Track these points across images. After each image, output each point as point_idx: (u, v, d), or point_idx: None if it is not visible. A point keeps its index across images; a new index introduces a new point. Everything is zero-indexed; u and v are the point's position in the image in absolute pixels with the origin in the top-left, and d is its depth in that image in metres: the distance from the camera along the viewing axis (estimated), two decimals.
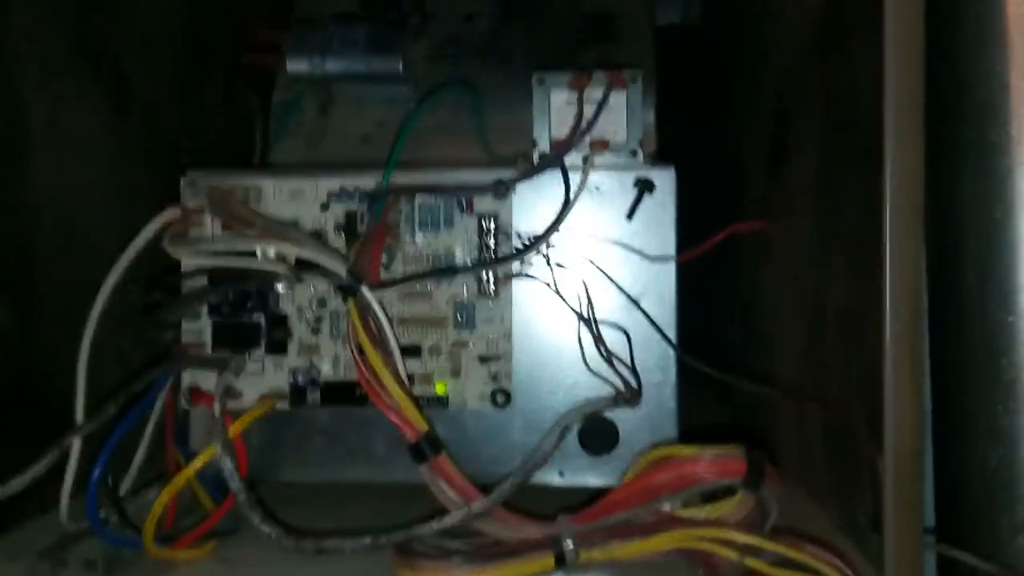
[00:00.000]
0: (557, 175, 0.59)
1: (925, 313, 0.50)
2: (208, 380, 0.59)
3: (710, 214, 0.89)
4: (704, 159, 0.94)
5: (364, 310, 0.55)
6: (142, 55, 0.69)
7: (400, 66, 0.70)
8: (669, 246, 0.60)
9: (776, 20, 0.70)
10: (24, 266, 0.57)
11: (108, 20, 0.65)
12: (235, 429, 0.53)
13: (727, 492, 0.51)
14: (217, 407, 0.52)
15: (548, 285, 0.59)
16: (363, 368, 0.54)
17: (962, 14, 0.49)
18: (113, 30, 0.65)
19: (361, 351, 0.54)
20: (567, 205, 0.58)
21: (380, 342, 0.55)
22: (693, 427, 0.60)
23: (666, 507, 0.51)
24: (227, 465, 0.50)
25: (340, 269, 0.54)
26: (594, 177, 0.59)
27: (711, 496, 0.52)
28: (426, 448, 0.53)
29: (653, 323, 0.59)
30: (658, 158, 0.66)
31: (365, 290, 0.54)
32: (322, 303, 0.60)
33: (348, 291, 0.55)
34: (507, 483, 0.53)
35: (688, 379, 0.61)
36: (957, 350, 0.51)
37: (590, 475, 0.61)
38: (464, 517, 0.51)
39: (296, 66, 0.70)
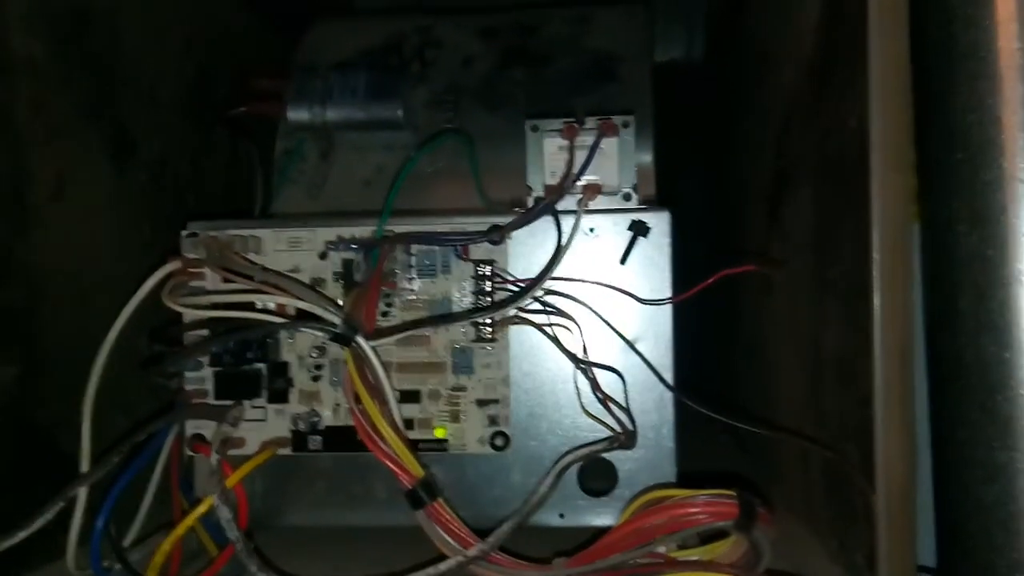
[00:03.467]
0: (553, 219, 0.59)
1: (916, 356, 0.50)
2: (211, 430, 0.60)
3: (714, 253, 0.89)
4: (706, 197, 0.94)
5: (360, 359, 0.55)
6: (148, 114, 0.70)
7: (400, 113, 0.71)
8: (665, 288, 0.60)
9: (773, 63, 0.70)
10: (29, 324, 0.58)
11: (117, 83, 0.66)
12: (234, 479, 0.53)
13: (723, 534, 0.51)
14: (214, 457, 0.53)
15: (544, 330, 0.59)
16: (360, 417, 0.54)
17: (953, 50, 0.50)
18: (121, 92, 0.67)
19: (358, 400, 0.55)
20: (560, 250, 0.58)
21: (376, 391, 0.55)
22: (702, 471, 0.60)
23: (661, 549, 0.51)
24: (224, 515, 0.51)
25: (335, 319, 0.55)
26: (589, 220, 0.60)
27: (708, 538, 0.52)
28: (423, 494, 0.53)
29: (649, 365, 0.59)
30: (657, 199, 0.67)
31: (360, 340, 0.55)
32: (322, 351, 0.61)
33: (343, 341, 0.55)
34: (503, 528, 0.53)
35: (700, 423, 0.60)
36: (953, 386, 0.51)
37: (590, 516, 0.61)
38: (460, 563, 0.52)
39: (297, 115, 0.71)
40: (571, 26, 0.79)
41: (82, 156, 0.63)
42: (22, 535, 0.52)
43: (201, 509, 0.53)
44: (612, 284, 0.60)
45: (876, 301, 0.44)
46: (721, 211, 0.90)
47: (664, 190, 0.69)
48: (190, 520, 0.53)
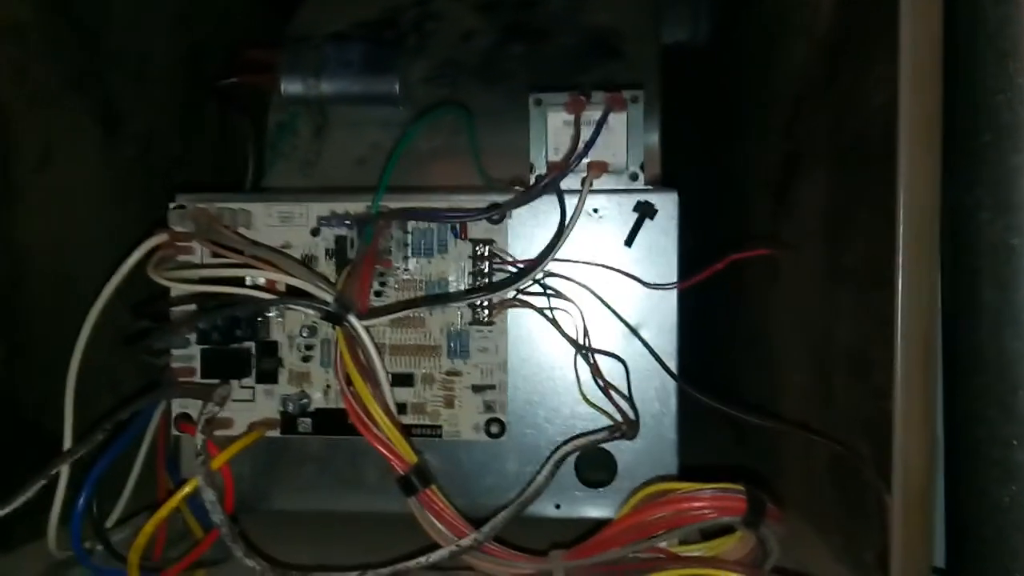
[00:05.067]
0: (555, 199, 0.57)
1: (938, 351, 0.48)
2: (198, 409, 0.57)
3: (716, 239, 0.87)
4: (711, 181, 0.92)
5: (352, 339, 0.53)
6: (138, 87, 0.68)
7: (396, 87, 0.68)
8: (671, 273, 0.58)
9: (785, 42, 0.68)
10: (11, 299, 0.56)
11: (104, 54, 0.64)
12: (220, 460, 0.51)
13: (727, 530, 0.49)
14: (199, 438, 0.51)
15: (543, 313, 0.57)
16: (351, 399, 0.52)
17: (982, 26, 0.47)
18: (109, 64, 0.65)
19: (349, 382, 0.53)
20: (563, 230, 0.56)
21: (368, 372, 0.53)
22: (703, 465, 0.59)
23: (663, 544, 0.50)
24: (208, 497, 0.49)
25: (327, 296, 0.53)
26: (593, 201, 0.58)
27: (710, 534, 0.50)
28: (415, 481, 0.52)
29: (653, 352, 0.57)
30: (662, 181, 0.65)
31: (352, 319, 0.53)
32: (313, 330, 0.59)
33: (335, 320, 0.53)
34: (498, 517, 0.51)
35: (700, 413, 0.59)
36: (971, 381, 0.49)
37: (587, 507, 0.59)
38: (453, 552, 0.50)
39: (291, 87, 0.68)
40: (573, 0, 0.76)
41: (67, 128, 0.61)
42: (1, 513, 0.51)
43: (186, 490, 0.51)
44: (616, 267, 0.58)
45: (900, 290, 0.42)
46: (726, 196, 0.88)
47: (668, 173, 0.67)
48: (174, 502, 0.51)
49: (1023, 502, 0.47)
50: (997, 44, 0.45)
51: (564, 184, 0.57)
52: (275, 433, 0.60)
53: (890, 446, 0.44)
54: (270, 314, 0.59)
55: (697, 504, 0.48)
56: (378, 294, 0.59)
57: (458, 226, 0.58)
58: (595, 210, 0.58)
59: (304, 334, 0.59)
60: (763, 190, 0.72)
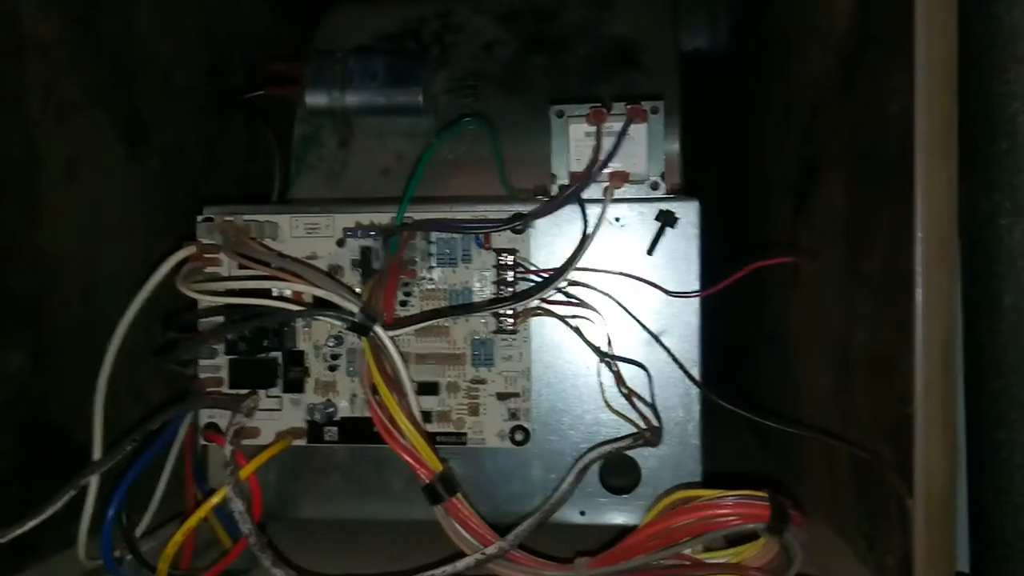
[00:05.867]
0: (577, 208, 0.58)
1: (959, 356, 0.48)
2: (225, 418, 0.58)
3: (738, 244, 0.87)
4: (733, 187, 0.92)
5: (377, 350, 0.54)
6: (163, 99, 0.69)
7: (420, 98, 0.69)
8: (693, 281, 0.58)
9: (802, 49, 0.68)
10: (39, 310, 0.57)
11: (129, 69, 0.65)
12: (248, 470, 0.52)
13: (751, 536, 0.50)
14: (228, 448, 0.52)
15: (567, 321, 0.58)
16: (377, 409, 0.53)
17: (998, 32, 0.48)
18: (134, 77, 0.66)
19: (375, 391, 0.53)
20: (585, 239, 0.56)
21: (394, 382, 0.54)
22: (726, 470, 0.59)
23: (687, 551, 0.50)
24: (237, 507, 0.49)
25: (353, 308, 0.54)
26: (615, 210, 0.58)
27: (734, 541, 0.51)
28: (440, 489, 0.52)
29: (676, 360, 0.58)
30: (684, 189, 0.65)
31: (378, 329, 0.53)
32: (339, 340, 0.60)
33: (361, 330, 0.54)
34: (523, 526, 0.51)
35: (726, 417, 0.58)
36: (992, 385, 0.50)
37: (612, 514, 0.59)
38: (479, 560, 0.50)
39: (316, 99, 0.69)
40: (593, 11, 0.77)
41: (94, 141, 0.62)
42: (32, 523, 0.51)
43: (214, 500, 0.52)
44: (638, 275, 0.58)
45: (919, 296, 0.43)
46: (746, 203, 0.88)
47: (690, 180, 0.67)
48: (203, 512, 0.52)
49: None
50: (1012, 50, 0.46)
51: (586, 194, 0.57)
52: (302, 442, 0.60)
53: (911, 451, 0.44)
54: (296, 325, 0.60)
55: (720, 511, 0.48)
56: (403, 304, 0.59)
57: (481, 236, 0.59)
58: (617, 219, 0.58)
59: (330, 343, 0.60)
60: (784, 195, 0.72)
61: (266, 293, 0.57)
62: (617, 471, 0.59)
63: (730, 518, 0.48)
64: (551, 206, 0.57)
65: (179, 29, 0.72)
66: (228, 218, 0.59)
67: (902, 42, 0.44)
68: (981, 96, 0.48)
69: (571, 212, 0.58)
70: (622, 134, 0.57)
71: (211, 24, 0.77)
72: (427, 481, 0.52)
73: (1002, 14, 0.46)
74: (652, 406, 0.57)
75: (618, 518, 0.59)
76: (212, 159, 0.76)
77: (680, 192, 0.64)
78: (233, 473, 0.51)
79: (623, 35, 0.75)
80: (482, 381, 0.60)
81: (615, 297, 0.58)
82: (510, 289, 0.59)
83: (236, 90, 0.78)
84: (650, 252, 0.58)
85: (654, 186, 0.59)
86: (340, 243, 0.60)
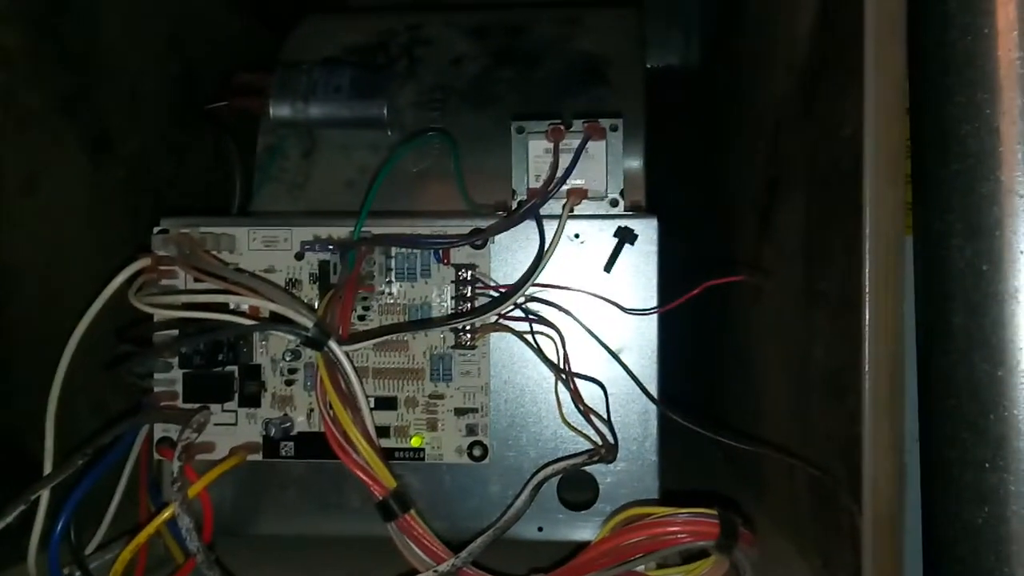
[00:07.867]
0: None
1: (908, 374, 0.48)
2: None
3: (703, 261, 0.88)
4: (699, 204, 0.93)
5: (332, 365, 0.53)
6: (128, 109, 0.69)
7: (384, 111, 0.69)
8: (651, 298, 0.58)
9: (766, 69, 0.69)
10: None
11: (94, 77, 0.65)
12: (197, 488, 0.51)
13: (705, 554, 0.50)
14: (176, 464, 0.51)
15: (525, 338, 0.58)
16: (331, 424, 0.53)
17: (950, 58, 0.48)
18: (99, 86, 0.65)
19: (330, 406, 0.53)
20: (542, 255, 0.56)
21: (349, 398, 0.53)
22: (685, 487, 0.59)
23: (640, 568, 0.50)
24: (184, 523, 0.49)
25: (307, 322, 0.53)
26: (575, 226, 0.58)
27: (691, 557, 0.50)
28: (394, 506, 0.52)
29: (633, 377, 0.58)
30: (647, 206, 0.65)
31: (332, 344, 0.53)
32: (296, 355, 0.59)
33: (314, 346, 0.53)
34: (476, 543, 0.51)
35: (692, 436, 0.58)
36: (944, 404, 0.50)
37: (570, 530, 0.59)
38: None
39: (280, 111, 0.69)
40: (562, 27, 0.77)
41: (56, 151, 0.61)
42: None
43: (163, 516, 0.51)
44: (596, 292, 0.58)
45: (867, 315, 0.43)
46: (714, 219, 0.89)
47: (655, 197, 0.67)
48: (151, 528, 0.51)
49: (996, 523, 0.47)
50: (965, 75, 0.46)
51: (546, 210, 0.57)
52: (257, 457, 0.60)
53: (860, 468, 0.44)
54: (254, 339, 0.59)
55: (671, 529, 0.48)
56: (361, 318, 0.59)
57: (440, 251, 0.58)
58: (577, 235, 0.58)
59: (287, 358, 0.60)
60: (748, 213, 0.73)
61: (223, 307, 0.57)
62: (575, 487, 0.59)
63: (680, 535, 0.48)
64: (509, 222, 0.57)
65: (146, 38, 0.72)
66: (184, 230, 0.59)
67: (854, 67, 0.45)
68: (934, 119, 0.48)
69: (531, 228, 0.58)
70: (579, 151, 0.57)
71: (179, 33, 0.76)
72: (380, 498, 0.52)
73: (955, 40, 0.47)
74: (608, 423, 0.57)
75: (576, 534, 0.59)
76: (178, 170, 0.76)
77: (642, 209, 0.64)
78: (181, 489, 0.50)
79: (591, 51, 0.75)
80: (440, 396, 0.59)
81: (574, 314, 0.58)
82: (469, 304, 0.59)
83: (205, 100, 0.77)
84: (607, 269, 0.58)
85: (614, 203, 0.59)
86: (299, 256, 0.60)
